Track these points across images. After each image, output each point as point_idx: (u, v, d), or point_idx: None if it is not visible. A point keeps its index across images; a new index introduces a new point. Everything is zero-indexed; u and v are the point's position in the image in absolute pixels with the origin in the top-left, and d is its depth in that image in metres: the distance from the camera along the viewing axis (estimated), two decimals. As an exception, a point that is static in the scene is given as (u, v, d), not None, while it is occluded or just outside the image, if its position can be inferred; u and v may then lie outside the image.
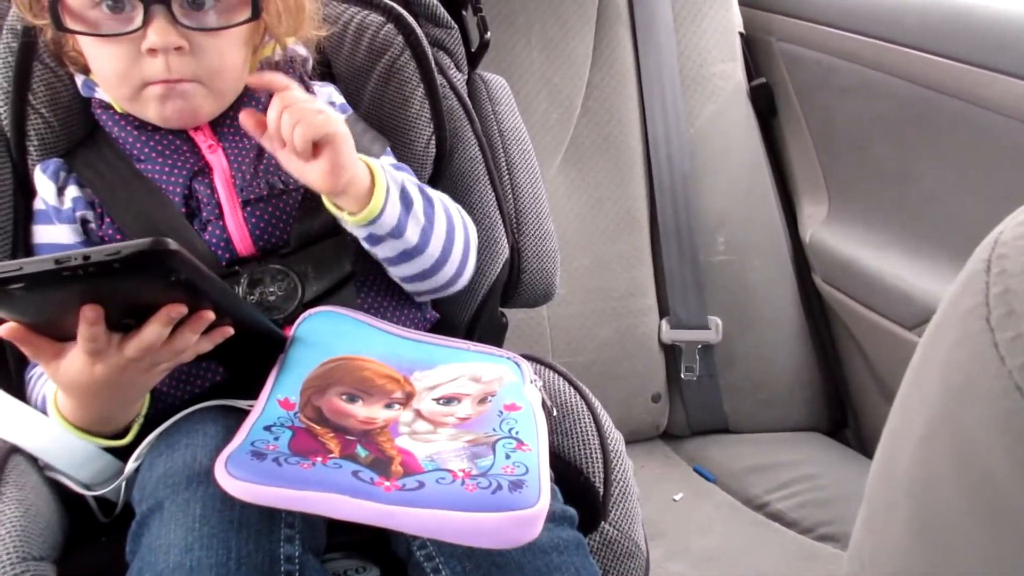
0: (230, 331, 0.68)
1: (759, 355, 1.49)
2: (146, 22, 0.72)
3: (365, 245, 0.81)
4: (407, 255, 0.82)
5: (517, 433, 0.70)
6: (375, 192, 0.76)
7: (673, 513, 1.32)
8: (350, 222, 0.77)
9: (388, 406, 0.71)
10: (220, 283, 0.65)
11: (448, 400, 0.73)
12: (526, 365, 0.81)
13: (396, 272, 0.84)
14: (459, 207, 0.89)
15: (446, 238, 0.84)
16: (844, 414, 1.53)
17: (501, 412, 0.73)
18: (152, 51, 0.73)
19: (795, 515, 1.28)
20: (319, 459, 0.64)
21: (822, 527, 1.24)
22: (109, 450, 0.76)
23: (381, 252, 0.81)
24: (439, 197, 0.85)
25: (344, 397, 0.70)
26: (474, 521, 0.60)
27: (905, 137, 1.29)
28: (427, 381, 0.74)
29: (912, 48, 1.23)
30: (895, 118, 1.29)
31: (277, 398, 0.70)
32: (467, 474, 0.64)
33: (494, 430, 0.70)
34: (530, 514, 0.61)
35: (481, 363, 0.79)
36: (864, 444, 1.47)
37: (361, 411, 0.69)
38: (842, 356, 1.49)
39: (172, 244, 0.55)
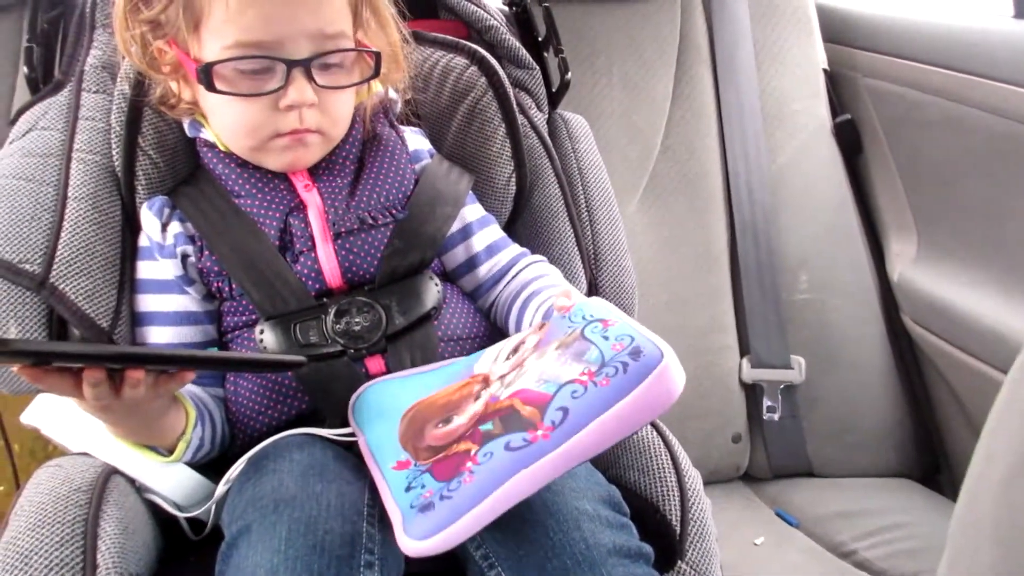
0: (190, 375, 0.72)
1: (845, 397, 1.45)
2: (287, 82, 0.78)
3: None
4: None
5: (592, 316, 0.67)
6: None
7: (754, 558, 1.28)
8: None
9: (477, 398, 0.70)
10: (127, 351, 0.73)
11: (515, 350, 0.72)
12: None
13: None
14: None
15: None
16: (937, 460, 1.46)
17: (563, 316, 0.70)
18: (289, 107, 0.80)
19: (884, 564, 1.22)
20: (469, 465, 0.62)
21: (913, 578, 1.19)
22: (202, 475, 0.80)
23: None
24: None
25: (440, 424, 0.71)
26: (631, 403, 0.58)
27: (996, 172, 1.25)
28: (488, 362, 0.74)
29: (1003, 82, 1.20)
30: (985, 153, 1.25)
31: (390, 467, 0.69)
32: (590, 374, 0.62)
33: (569, 326, 0.67)
34: (665, 366, 0.59)
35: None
36: (959, 492, 1.40)
37: (461, 419, 0.69)
38: (934, 399, 1.43)
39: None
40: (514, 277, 0.93)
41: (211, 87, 0.79)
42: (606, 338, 0.64)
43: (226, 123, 0.84)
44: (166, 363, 0.68)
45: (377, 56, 0.84)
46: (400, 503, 0.65)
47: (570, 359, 0.64)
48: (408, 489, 0.66)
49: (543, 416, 0.61)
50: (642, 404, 0.59)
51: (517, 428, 0.62)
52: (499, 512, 0.60)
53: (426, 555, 0.61)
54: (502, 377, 0.70)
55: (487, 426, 0.64)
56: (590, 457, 0.61)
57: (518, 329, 0.87)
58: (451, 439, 0.68)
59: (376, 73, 0.85)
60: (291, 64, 0.78)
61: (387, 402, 0.76)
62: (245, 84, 0.79)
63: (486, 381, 0.72)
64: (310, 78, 0.79)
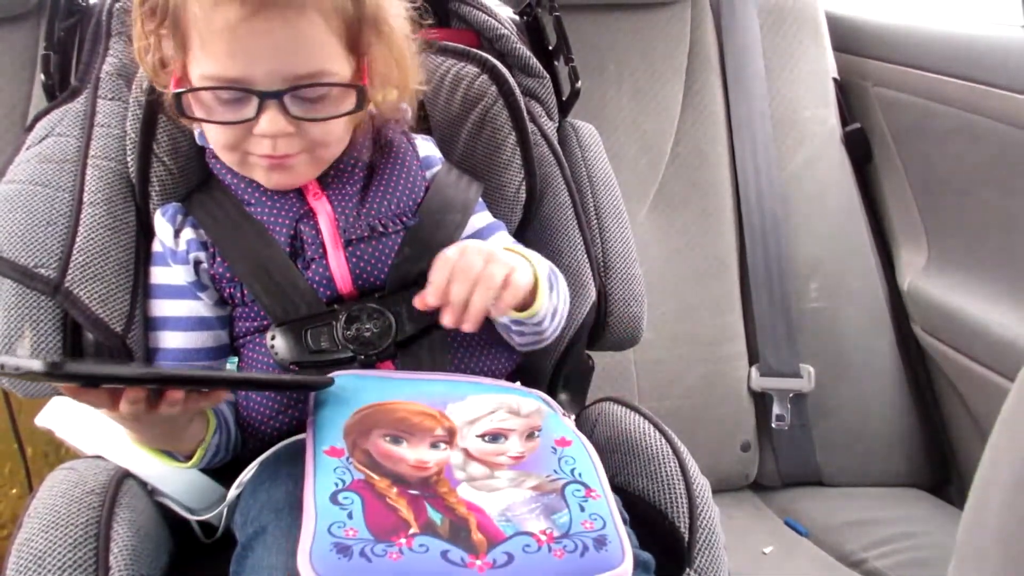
0: (224, 394, 0.75)
1: (855, 406, 1.45)
2: (259, 112, 0.77)
3: (504, 329, 0.87)
4: (534, 338, 0.88)
5: (580, 476, 0.69)
6: (538, 295, 0.81)
7: (762, 567, 1.28)
8: (512, 316, 0.82)
9: (434, 446, 0.70)
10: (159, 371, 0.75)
11: (494, 437, 0.72)
12: (554, 403, 0.82)
13: (515, 341, 0.89)
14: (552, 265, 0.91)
15: (561, 316, 0.89)
16: (947, 470, 1.46)
17: (555, 449, 0.72)
18: (263, 135, 0.79)
19: (893, 574, 1.22)
20: (403, 542, 0.62)
21: (923, 588, 1.19)
22: (213, 479, 0.81)
23: (518, 337, 0.87)
24: (554, 272, 0.89)
25: (388, 439, 0.70)
26: None
27: (1006, 181, 1.25)
28: (464, 414, 0.74)
29: (1012, 91, 1.20)
30: (997, 162, 1.25)
31: (323, 449, 0.69)
32: (550, 537, 0.64)
33: (555, 471, 0.69)
34: (619, 573, 0.63)
35: (512, 395, 0.79)
36: (969, 502, 1.40)
37: (409, 453, 0.69)
38: (944, 409, 1.43)
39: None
40: None
41: (182, 113, 0.80)
42: (582, 509, 0.66)
43: (210, 138, 0.85)
44: (207, 384, 0.70)
45: (360, 90, 0.81)
46: (320, 515, 0.63)
47: (540, 512, 0.66)
48: (333, 500, 0.64)
49: (489, 550, 0.62)
50: None
51: (461, 545, 0.62)
52: None
53: None
54: (468, 454, 0.70)
55: (435, 515, 0.64)
56: None
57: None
58: (390, 467, 0.67)
59: (359, 107, 0.81)
60: (263, 96, 0.77)
61: (351, 392, 0.76)
62: (220, 111, 0.79)
63: (451, 435, 0.72)
64: (284, 110, 0.77)
